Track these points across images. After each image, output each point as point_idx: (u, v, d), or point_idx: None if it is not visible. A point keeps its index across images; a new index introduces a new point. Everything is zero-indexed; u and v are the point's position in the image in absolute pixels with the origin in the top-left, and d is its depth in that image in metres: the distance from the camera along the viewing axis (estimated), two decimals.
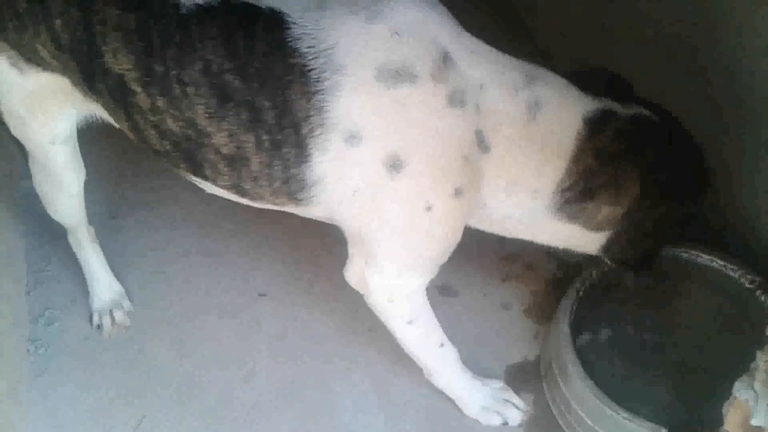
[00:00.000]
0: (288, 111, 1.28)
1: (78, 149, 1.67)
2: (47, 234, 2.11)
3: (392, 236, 1.38)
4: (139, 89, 1.33)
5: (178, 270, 2.02)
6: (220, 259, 2.04)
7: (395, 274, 1.45)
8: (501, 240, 1.93)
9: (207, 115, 1.31)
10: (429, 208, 1.33)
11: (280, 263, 2.01)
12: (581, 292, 1.65)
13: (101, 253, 1.94)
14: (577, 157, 1.33)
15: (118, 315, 1.91)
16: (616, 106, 1.35)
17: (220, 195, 1.52)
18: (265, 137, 1.31)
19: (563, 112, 1.34)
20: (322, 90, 1.26)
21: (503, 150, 1.33)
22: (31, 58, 1.43)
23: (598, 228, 1.41)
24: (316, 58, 1.26)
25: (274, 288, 1.96)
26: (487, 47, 1.36)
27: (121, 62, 1.32)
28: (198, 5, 1.29)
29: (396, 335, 1.59)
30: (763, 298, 1.58)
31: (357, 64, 1.26)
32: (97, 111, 1.53)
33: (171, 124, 1.34)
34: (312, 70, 1.26)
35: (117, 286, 1.95)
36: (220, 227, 2.11)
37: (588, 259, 1.70)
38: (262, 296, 1.94)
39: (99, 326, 1.90)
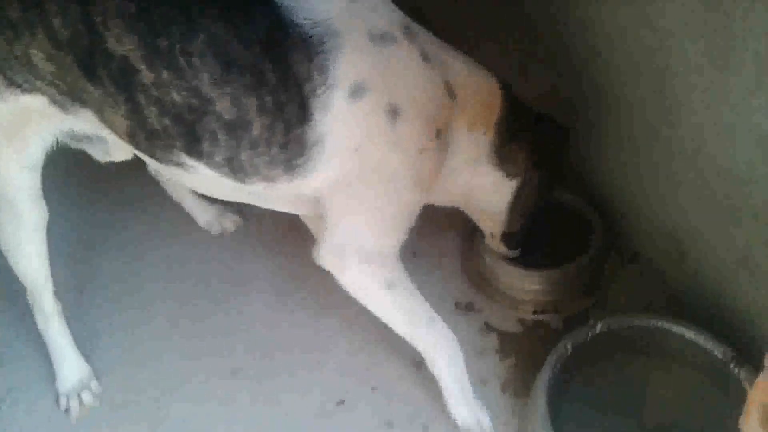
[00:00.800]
0: (290, 73, 1.44)
1: (40, 186, 1.68)
2: (11, 313, 2.06)
3: (382, 190, 1.54)
4: (143, 66, 1.43)
5: (149, 349, 1.98)
6: (193, 335, 2.00)
7: (375, 235, 1.58)
8: (477, 312, 1.97)
9: (212, 82, 1.43)
10: (422, 150, 1.54)
11: (253, 340, 1.98)
12: (557, 366, 1.64)
13: (68, 330, 1.90)
14: (503, 106, 1.66)
15: (86, 397, 1.87)
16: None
17: (205, 186, 1.65)
18: (267, 98, 1.44)
19: (487, 74, 1.67)
20: (324, 52, 1.44)
21: (463, 96, 1.60)
22: (13, 79, 1.50)
23: (513, 174, 1.74)
24: (315, 27, 1.45)
25: (246, 366, 1.92)
26: (423, 28, 1.62)
27: (124, 44, 1.43)
28: None
29: (379, 310, 1.64)
30: (736, 370, 1.58)
31: (352, 29, 1.47)
32: (77, 124, 1.59)
33: (175, 96, 1.45)
34: (312, 36, 1.44)
35: (84, 366, 1.91)
36: (194, 304, 2.08)
37: (563, 332, 1.74)
38: (234, 374, 1.91)
39: (67, 410, 1.85)
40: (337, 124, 1.47)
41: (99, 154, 1.76)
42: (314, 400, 1.83)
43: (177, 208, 2.31)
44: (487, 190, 1.77)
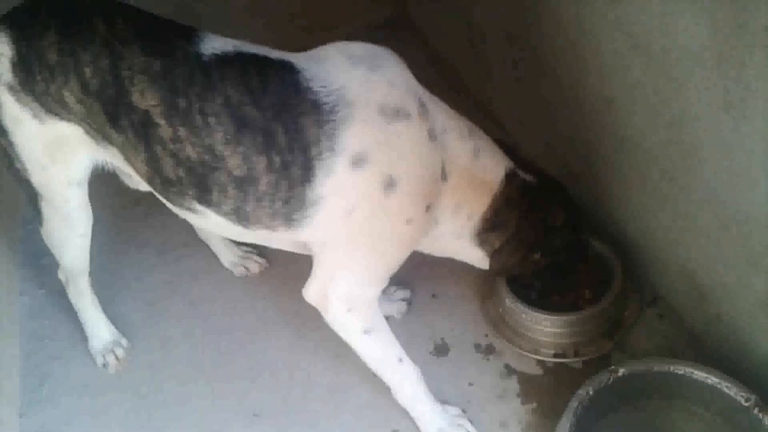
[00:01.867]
0: (299, 136, 1.53)
1: (87, 198, 1.85)
2: (43, 353, 2.11)
3: (369, 248, 1.65)
4: (162, 122, 1.55)
5: (172, 392, 2.00)
6: (215, 377, 2.03)
7: (357, 283, 1.69)
8: (498, 355, 1.97)
9: (225, 141, 1.54)
10: (409, 221, 1.64)
11: (275, 382, 2.00)
12: (579, 411, 1.64)
13: (97, 300, 2.09)
14: (497, 197, 1.73)
15: (119, 352, 2.08)
16: (517, 168, 1.77)
17: (214, 228, 1.74)
18: (276, 158, 1.54)
19: (495, 162, 1.75)
20: (334, 120, 1.53)
21: (456, 179, 1.68)
22: (51, 108, 1.65)
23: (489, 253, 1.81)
24: (329, 95, 1.54)
25: (268, 408, 1.94)
26: (440, 101, 1.71)
27: (147, 99, 1.55)
28: (216, 54, 1.57)
29: (357, 349, 1.76)
30: (760, 416, 1.57)
31: (363, 102, 1.56)
32: (107, 156, 1.74)
33: (189, 151, 1.56)
34: (325, 104, 1.54)
35: (113, 328, 2.12)
36: (217, 345, 2.11)
37: (584, 375, 1.74)
38: (257, 417, 1.92)
39: (105, 365, 2.07)
40: (336, 188, 1.57)
41: (130, 182, 1.91)
42: None
43: (200, 250, 2.36)
44: (472, 259, 1.87)
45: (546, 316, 1.93)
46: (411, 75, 1.68)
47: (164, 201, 1.74)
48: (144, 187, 1.84)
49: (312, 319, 2.10)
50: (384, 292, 1.96)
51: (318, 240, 1.66)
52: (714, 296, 1.81)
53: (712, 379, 1.64)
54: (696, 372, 1.66)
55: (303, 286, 2.18)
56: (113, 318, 2.16)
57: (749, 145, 1.50)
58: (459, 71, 2.79)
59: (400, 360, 1.77)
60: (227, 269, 2.32)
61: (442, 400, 1.86)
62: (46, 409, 1.99)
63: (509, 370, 1.94)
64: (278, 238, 1.70)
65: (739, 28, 1.41)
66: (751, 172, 1.53)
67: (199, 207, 1.65)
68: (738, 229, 1.64)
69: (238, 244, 2.32)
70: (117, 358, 2.07)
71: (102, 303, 2.13)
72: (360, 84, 1.57)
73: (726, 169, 1.60)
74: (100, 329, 2.10)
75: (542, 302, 1.99)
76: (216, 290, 2.28)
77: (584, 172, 2.13)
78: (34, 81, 1.62)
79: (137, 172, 1.68)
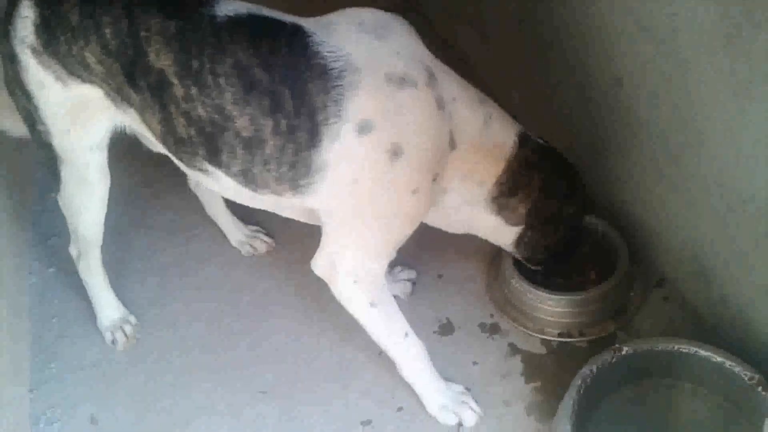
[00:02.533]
0: (306, 100, 1.54)
1: (106, 162, 1.88)
2: (52, 333, 2.13)
3: (374, 219, 1.65)
4: (176, 81, 1.59)
5: (180, 369, 2.02)
6: (223, 357, 2.04)
7: (363, 256, 1.69)
8: (502, 335, 1.99)
9: (233, 101, 1.57)
10: (415, 191, 1.63)
11: (281, 361, 2.02)
12: (582, 389, 1.65)
13: (107, 278, 2.12)
14: (511, 161, 1.72)
15: (128, 329, 2.11)
16: (529, 132, 1.77)
17: (225, 192, 1.77)
18: (283, 121, 1.56)
19: (506, 127, 1.74)
20: (341, 85, 1.54)
21: (465, 148, 1.67)
22: (73, 70, 1.69)
23: (513, 223, 1.80)
24: (337, 61, 1.55)
25: (275, 386, 1.96)
26: (451, 70, 1.70)
27: (162, 60, 1.59)
28: (229, 17, 1.59)
29: (363, 322, 1.77)
30: (764, 394, 1.58)
31: (371, 68, 1.56)
32: (126, 119, 1.77)
33: (200, 110, 1.59)
34: (332, 69, 1.54)
35: (122, 306, 2.14)
36: (224, 325, 2.13)
37: (588, 355, 1.75)
38: (263, 394, 1.94)
39: (113, 341, 2.09)
40: (342, 155, 1.58)
41: (151, 146, 1.91)
42: (341, 420, 1.86)
43: (208, 232, 2.38)
44: (487, 231, 1.86)
45: (551, 296, 1.95)
46: (421, 43, 1.68)
47: (178, 162, 1.77)
48: (162, 149, 1.87)
49: (318, 300, 2.13)
50: (389, 272, 1.98)
51: (325, 209, 1.67)
52: (719, 278, 1.82)
53: (716, 358, 1.65)
54: (700, 351, 1.67)
55: (310, 268, 2.21)
56: (122, 299, 2.17)
57: (756, 127, 1.50)
58: (468, 56, 2.78)
59: (406, 334, 1.79)
60: (234, 251, 2.33)
61: (447, 378, 1.87)
62: (55, 386, 2.01)
63: (513, 350, 1.95)
64: (286, 205, 1.72)
65: (747, 10, 1.41)
66: (758, 154, 1.53)
67: (209, 167, 1.68)
68: (744, 211, 1.64)
69: (247, 222, 2.34)
70: (125, 335, 2.09)
71: (110, 284, 2.15)
72: (368, 51, 1.58)
73: (732, 151, 1.60)
74: (109, 306, 2.12)
75: (547, 283, 2.00)
76: (223, 272, 2.29)
77: (591, 154, 2.13)
78: (57, 42, 1.66)
79: (153, 132, 1.72)
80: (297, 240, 2.32)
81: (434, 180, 1.66)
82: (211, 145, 1.63)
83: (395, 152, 1.57)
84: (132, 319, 2.14)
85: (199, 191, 2.29)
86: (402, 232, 1.71)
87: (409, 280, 2.14)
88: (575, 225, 1.89)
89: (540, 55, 2.31)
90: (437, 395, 1.82)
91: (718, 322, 1.85)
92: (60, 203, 1.96)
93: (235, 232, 2.33)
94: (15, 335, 2.05)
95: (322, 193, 1.63)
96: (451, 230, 1.90)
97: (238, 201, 1.81)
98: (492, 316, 2.05)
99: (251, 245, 2.32)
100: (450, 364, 1.92)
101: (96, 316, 2.12)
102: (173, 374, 2.01)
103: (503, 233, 1.84)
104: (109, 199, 1.98)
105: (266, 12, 1.64)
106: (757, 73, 1.43)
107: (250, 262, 2.31)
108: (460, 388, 1.86)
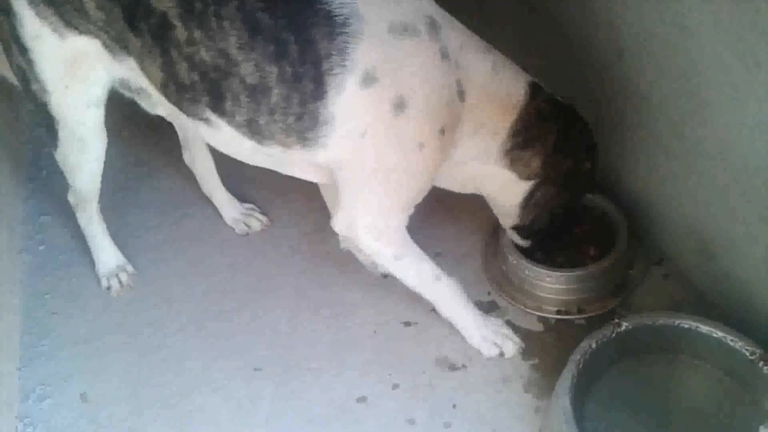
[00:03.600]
0: (311, 47, 1.51)
1: (103, 121, 1.86)
2: (43, 309, 2.10)
3: (385, 175, 1.63)
4: (178, 23, 1.55)
5: (173, 345, 1.99)
6: (217, 334, 2.01)
7: (380, 212, 1.69)
8: (500, 312, 1.96)
9: (238, 46, 1.53)
10: (421, 145, 1.59)
11: (276, 338, 1.99)
12: (581, 364, 1.62)
13: (106, 228, 2.15)
14: (523, 110, 1.68)
15: (124, 277, 2.14)
16: (540, 83, 1.74)
17: (228, 146, 1.72)
18: (288, 68, 1.52)
19: (515, 75, 1.70)
20: (346, 33, 1.50)
21: (475, 98, 1.63)
22: (71, 21, 1.65)
23: (526, 177, 1.76)
24: (342, 7, 1.51)
25: (270, 363, 1.93)
26: (455, 20, 1.65)
27: (164, 1, 1.54)
28: None
29: (394, 272, 1.80)
30: (765, 369, 1.55)
31: (374, 16, 1.53)
32: (124, 71, 1.73)
33: (204, 54, 1.55)
34: (337, 16, 1.50)
35: (120, 254, 2.17)
36: (218, 302, 2.10)
37: (587, 328, 1.73)
38: (258, 371, 1.91)
39: (108, 288, 2.13)
40: (347, 107, 1.55)
41: (148, 106, 1.89)
42: (336, 397, 1.84)
43: (201, 210, 2.35)
44: (497, 187, 1.82)
45: (549, 272, 1.92)
46: None
47: (179, 112, 1.72)
48: (162, 110, 1.87)
49: (314, 279, 2.12)
50: None
51: (336, 164, 1.64)
52: (721, 253, 1.79)
53: (717, 333, 1.63)
54: (701, 326, 1.65)
55: (306, 246, 2.19)
56: None
57: (762, 93, 1.47)
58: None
59: (437, 278, 1.80)
60: (228, 230, 2.30)
61: (443, 357, 1.86)
62: (45, 363, 1.98)
63: (511, 327, 1.92)
64: (294, 159, 1.68)
65: None
66: (764, 122, 1.50)
67: (212, 117, 1.64)
68: (748, 182, 1.61)
69: (243, 199, 2.32)
70: (120, 282, 2.12)
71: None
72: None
73: (737, 120, 1.57)
74: (106, 255, 2.15)
75: (546, 260, 1.97)
76: (217, 250, 2.26)
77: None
78: None
79: (152, 80, 1.68)
80: (292, 219, 2.30)
81: (443, 133, 1.61)
82: (215, 91, 1.59)
83: (399, 104, 1.54)
84: (129, 267, 2.16)
85: (195, 166, 2.26)
86: (414, 187, 1.69)
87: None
88: (587, 185, 1.87)
89: (540, 28, 2.27)
90: (478, 329, 1.85)
91: (719, 299, 1.82)
92: (57, 159, 1.95)
93: (229, 209, 2.30)
94: (5, 312, 2.03)
95: (331, 148, 1.61)
96: (457, 189, 1.87)
97: (239, 157, 1.77)
98: (489, 293, 2.03)
99: (245, 223, 2.28)
100: (447, 341, 1.90)
101: (95, 263, 2.16)
102: (167, 350, 1.99)
103: (513, 190, 1.79)
104: (102, 178, 1.96)
105: None
106: (764, 37, 1.40)
107: (244, 240, 2.28)
108: (499, 321, 1.89)
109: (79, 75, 1.74)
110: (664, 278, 1.98)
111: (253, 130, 1.62)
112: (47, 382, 1.93)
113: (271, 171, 1.81)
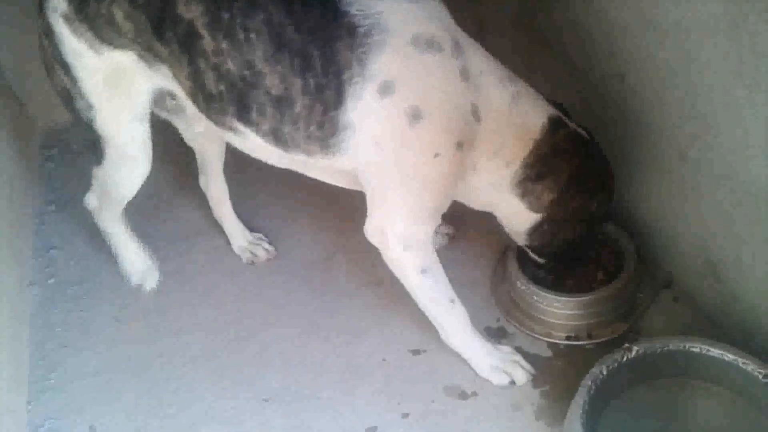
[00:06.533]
0: (334, 59, 1.55)
1: (150, 137, 1.88)
2: (53, 342, 2.11)
3: (404, 182, 1.65)
4: (206, 33, 1.59)
5: (183, 377, 1.99)
6: (227, 364, 2.01)
7: (408, 222, 1.70)
8: (509, 338, 1.95)
9: (264, 59, 1.57)
10: (437, 155, 1.61)
11: (286, 368, 1.98)
12: (593, 390, 1.61)
13: (128, 228, 2.19)
14: (539, 144, 1.69)
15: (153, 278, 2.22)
16: (565, 118, 1.75)
17: (253, 151, 1.77)
18: (311, 80, 1.57)
19: (535, 108, 1.71)
20: (368, 44, 1.55)
21: (491, 124, 1.66)
22: (104, 36, 1.69)
23: (536, 209, 1.76)
24: (366, 19, 1.55)
25: (279, 393, 1.92)
26: (480, 46, 1.69)
27: (191, 10, 1.59)
28: None
29: (412, 288, 1.79)
30: None
31: (398, 29, 1.56)
32: (160, 79, 1.76)
33: (230, 65, 1.60)
34: (361, 27, 1.55)
35: (147, 257, 2.24)
36: (228, 333, 2.10)
37: (597, 353, 1.73)
38: (267, 402, 1.91)
39: (139, 285, 2.21)
40: (364, 115, 1.59)
41: (182, 125, 1.93)
42: (347, 426, 1.82)
43: (209, 241, 2.36)
44: (508, 213, 1.84)
45: (557, 298, 1.91)
46: (449, 15, 1.67)
47: (208, 121, 1.76)
48: (199, 127, 1.90)
49: (323, 308, 2.12)
50: None
51: (359, 170, 1.67)
52: (729, 276, 1.79)
53: (728, 356, 1.62)
54: (712, 349, 1.64)
55: (313, 275, 2.20)
56: (122, 306, 2.16)
57: (764, 115, 1.48)
58: None
59: (452, 301, 1.80)
60: (235, 260, 2.31)
61: (453, 385, 1.85)
62: (54, 396, 1.98)
63: (521, 353, 1.91)
64: (317, 165, 1.72)
65: None
66: (766, 143, 1.51)
67: (239, 126, 1.68)
68: (753, 204, 1.61)
69: (252, 228, 2.33)
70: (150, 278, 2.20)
71: (113, 290, 2.13)
72: (398, 12, 1.58)
73: (740, 142, 1.58)
74: (131, 250, 2.19)
75: (555, 286, 1.97)
76: (226, 279, 2.26)
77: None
78: (86, 4, 1.67)
79: (182, 89, 1.71)
80: (300, 247, 2.31)
81: (460, 147, 1.63)
82: (241, 102, 1.63)
83: (415, 115, 1.57)
84: (156, 273, 2.22)
85: (209, 191, 2.29)
86: (434, 196, 1.70)
87: (447, 234, 2.19)
88: (596, 224, 1.87)
89: (540, 54, 2.29)
90: (487, 358, 1.84)
91: (728, 322, 1.81)
92: (96, 174, 1.99)
93: (238, 236, 2.31)
94: (15, 345, 2.03)
95: (350, 154, 1.64)
96: (472, 206, 1.89)
97: (268, 162, 1.81)
98: (498, 320, 2.02)
99: (252, 252, 2.29)
100: (456, 368, 1.89)
101: (119, 266, 2.21)
102: (176, 382, 1.98)
103: (522, 218, 1.81)
104: None
105: None
106: (764, 59, 1.41)
107: (252, 270, 2.28)
108: (508, 348, 1.88)
109: (121, 88, 1.77)
110: (673, 301, 1.97)
111: (278, 138, 1.67)
112: (56, 416, 1.93)
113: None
